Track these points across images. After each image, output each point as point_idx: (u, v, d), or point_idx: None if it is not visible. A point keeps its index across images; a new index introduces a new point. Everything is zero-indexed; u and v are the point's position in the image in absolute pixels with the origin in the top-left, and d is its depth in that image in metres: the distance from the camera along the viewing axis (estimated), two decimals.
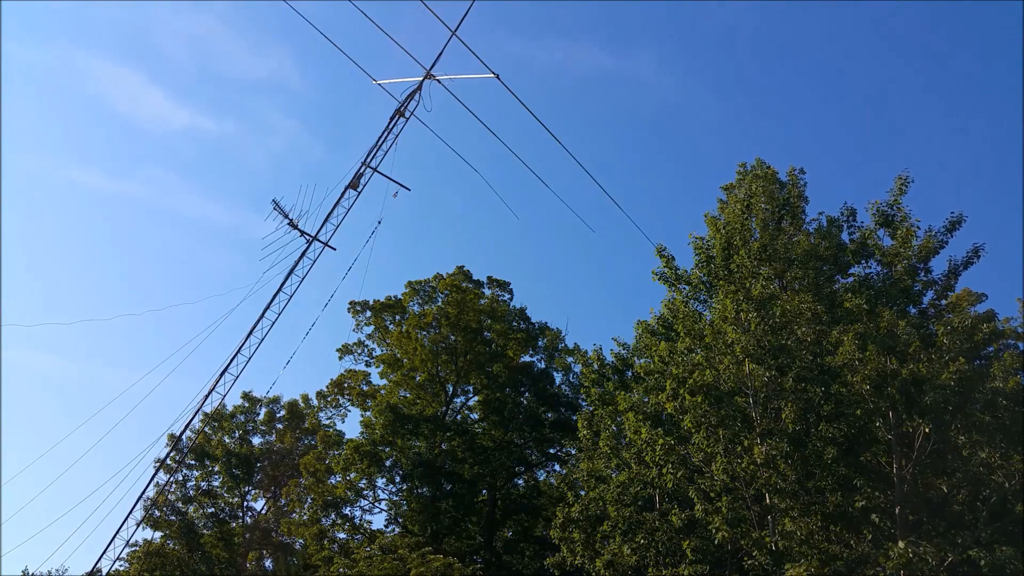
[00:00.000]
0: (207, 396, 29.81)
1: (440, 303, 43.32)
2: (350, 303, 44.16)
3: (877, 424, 20.35)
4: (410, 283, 43.92)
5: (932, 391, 19.29)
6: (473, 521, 40.67)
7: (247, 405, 48.53)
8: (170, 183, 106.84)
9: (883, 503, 20.24)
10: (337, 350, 45.27)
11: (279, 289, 26.91)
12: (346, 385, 46.04)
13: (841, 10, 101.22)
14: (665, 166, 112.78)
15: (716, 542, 21.05)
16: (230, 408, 48.01)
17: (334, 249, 28.87)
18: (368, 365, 45.43)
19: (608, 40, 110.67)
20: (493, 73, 24.65)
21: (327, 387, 47.06)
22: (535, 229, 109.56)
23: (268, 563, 47.11)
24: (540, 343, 43.62)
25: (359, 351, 45.24)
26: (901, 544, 18.33)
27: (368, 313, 44.14)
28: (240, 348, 27.09)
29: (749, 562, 20.51)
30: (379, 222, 29.79)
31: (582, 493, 27.48)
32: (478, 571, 32.18)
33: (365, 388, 45.15)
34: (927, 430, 19.41)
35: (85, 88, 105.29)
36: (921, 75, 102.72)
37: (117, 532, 35.84)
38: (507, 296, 44.39)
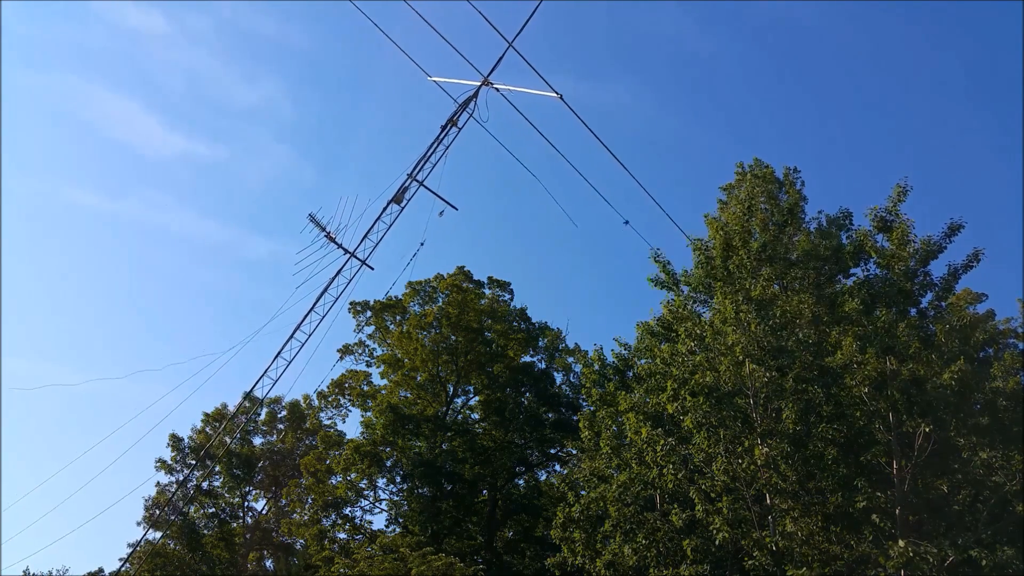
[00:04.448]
0: (232, 416, 28.76)
1: (441, 303, 43.32)
2: (351, 303, 44.16)
3: (877, 425, 20.37)
4: (411, 283, 43.93)
5: (932, 390, 19.30)
6: (474, 521, 40.69)
7: (248, 405, 48.53)
8: (166, 204, 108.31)
9: (883, 503, 20.26)
10: (338, 350, 45.27)
11: (311, 308, 25.29)
12: (347, 385, 46.06)
13: (834, 11, 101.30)
14: (658, 177, 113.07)
15: (717, 542, 21.05)
16: (231, 408, 48.10)
17: (372, 268, 26.15)
18: (369, 365, 45.48)
19: (581, 74, 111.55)
20: (556, 93, 22.74)
21: (328, 387, 47.12)
22: (534, 229, 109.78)
23: (269, 563, 47.20)
24: (541, 343, 43.62)
25: (360, 351, 45.27)
26: (902, 543, 18.34)
27: (369, 313, 44.15)
28: (267, 370, 25.83)
29: (750, 562, 20.51)
30: (421, 243, 27.06)
31: (583, 493, 27.46)
32: (479, 571, 32.14)
33: (366, 388, 45.17)
34: (927, 430, 19.43)
35: (82, 114, 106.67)
36: (918, 75, 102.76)
37: (138, 544, 35.63)
38: (507, 296, 44.45)
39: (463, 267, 43.78)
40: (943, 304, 23.74)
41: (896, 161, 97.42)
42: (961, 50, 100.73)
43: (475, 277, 43.92)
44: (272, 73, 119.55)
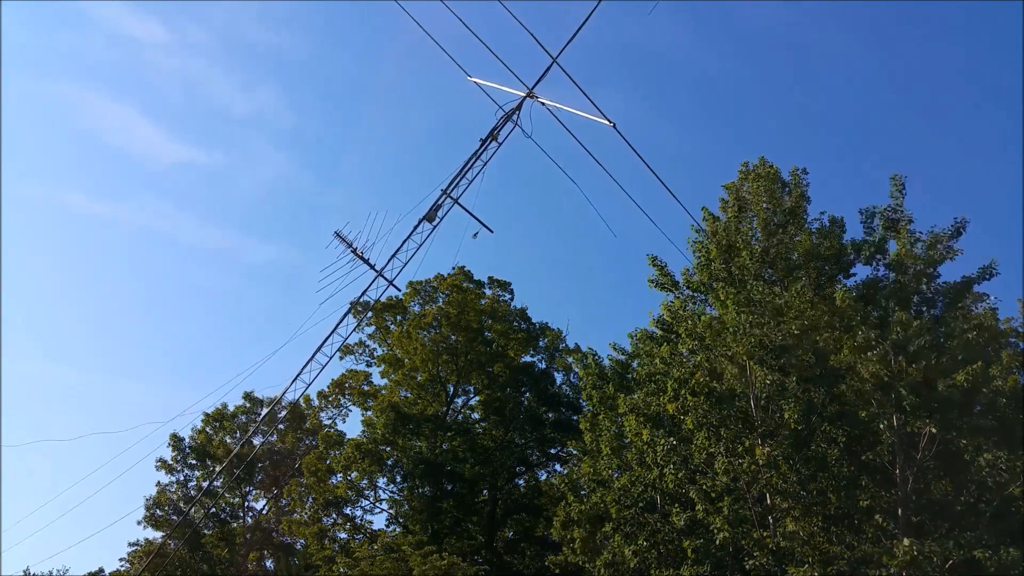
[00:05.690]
0: (256, 427, 27.61)
1: (441, 303, 43.28)
2: (351, 303, 44.05)
3: (881, 425, 20.35)
4: (411, 283, 43.83)
5: (945, 391, 19.31)
6: (474, 521, 40.66)
7: (248, 405, 48.52)
8: (165, 210, 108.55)
9: (886, 503, 20.26)
10: (339, 350, 45.12)
11: (334, 330, 24.53)
12: (347, 385, 46.04)
13: (833, 12, 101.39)
14: (655, 179, 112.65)
15: (718, 542, 21.06)
16: (232, 408, 48.10)
17: (399, 290, 24.78)
18: (369, 365, 45.43)
19: (570, 85, 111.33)
20: (609, 121, 20.36)
21: (328, 387, 47.05)
22: (534, 229, 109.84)
23: (269, 563, 47.17)
24: (541, 343, 43.60)
25: (360, 351, 45.25)
26: (906, 542, 18.33)
27: (369, 313, 44.09)
28: (285, 391, 25.09)
29: (751, 563, 20.51)
30: (454, 268, 25.61)
31: (583, 493, 27.45)
32: (481, 571, 32.11)
33: (366, 388, 45.15)
34: (933, 430, 19.44)
35: (81, 121, 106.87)
36: (917, 75, 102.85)
37: (156, 552, 35.31)
38: (508, 296, 44.38)
39: (463, 267, 43.78)
40: (950, 309, 23.66)
41: (895, 161, 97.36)
42: (961, 50, 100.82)
43: (475, 277, 43.92)
44: (270, 80, 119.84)
